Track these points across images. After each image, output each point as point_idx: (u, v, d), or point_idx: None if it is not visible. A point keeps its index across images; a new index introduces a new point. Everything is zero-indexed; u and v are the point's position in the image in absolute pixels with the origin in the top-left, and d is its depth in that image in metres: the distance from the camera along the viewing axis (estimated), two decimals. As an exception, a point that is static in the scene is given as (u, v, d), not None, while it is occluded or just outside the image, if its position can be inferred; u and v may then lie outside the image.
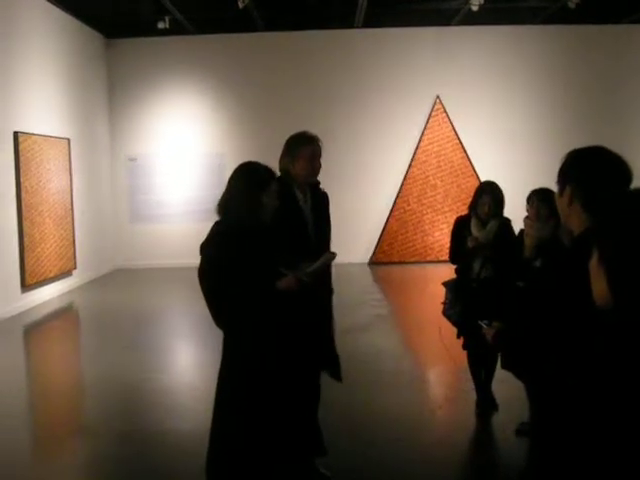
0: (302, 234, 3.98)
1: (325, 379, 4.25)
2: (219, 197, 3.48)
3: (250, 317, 3.28)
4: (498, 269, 5.00)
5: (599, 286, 1.70)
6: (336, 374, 4.24)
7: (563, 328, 2.08)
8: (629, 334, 1.63)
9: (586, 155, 2.39)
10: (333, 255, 3.73)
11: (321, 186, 4.26)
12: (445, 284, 5.37)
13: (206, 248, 3.28)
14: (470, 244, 5.05)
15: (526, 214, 4.80)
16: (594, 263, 1.72)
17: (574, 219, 2.33)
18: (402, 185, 13.60)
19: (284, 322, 3.33)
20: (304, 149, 4.03)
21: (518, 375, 4.63)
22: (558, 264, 2.37)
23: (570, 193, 2.33)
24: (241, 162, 3.56)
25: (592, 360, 1.75)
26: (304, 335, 3.48)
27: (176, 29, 12.63)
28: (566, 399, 1.88)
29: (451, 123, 13.51)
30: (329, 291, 4.24)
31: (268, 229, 3.40)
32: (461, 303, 5.14)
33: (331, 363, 4.20)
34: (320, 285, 3.81)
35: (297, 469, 4.00)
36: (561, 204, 2.40)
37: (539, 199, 4.70)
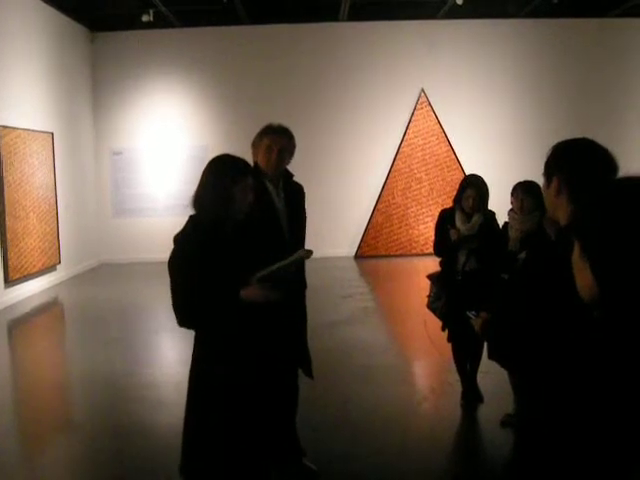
0: (274, 228, 3.87)
1: (304, 376, 4.22)
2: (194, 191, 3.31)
3: (211, 320, 3.17)
4: (483, 262, 5.01)
5: (583, 279, 1.69)
6: (307, 371, 4.20)
7: (549, 322, 2.08)
8: (617, 330, 1.62)
9: (573, 147, 2.39)
10: (308, 253, 3.32)
11: (296, 179, 4.15)
12: (430, 277, 5.37)
13: (177, 241, 3.12)
14: (453, 237, 5.06)
15: (510, 207, 4.83)
16: (576, 257, 1.70)
17: (561, 211, 2.32)
18: (387, 178, 13.61)
19: (255, 323, 3.10)
20: (263, 140, 3.98)
21: (504, 365, 4.66)
22: (543, 256, 2.37)
23: (557, 184, 2.33)
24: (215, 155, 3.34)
25: (579, 355, 1.75)
26: (279, 333, 3.33)
27: (160, 22, 12.57)
28: (553, 389, 1.88)
29: (436, 116, 13.52)
30: (303, 285, 4.16)
31: (240, 226, 3.17)
32: (446, 296, 5.15)
33: (303, 360, 4.16)
34: (293, 280, 3.60)
35: (284, 466, 3.95)
36: (548, 196, 2.39)
37: (523, 191, 4.73)
